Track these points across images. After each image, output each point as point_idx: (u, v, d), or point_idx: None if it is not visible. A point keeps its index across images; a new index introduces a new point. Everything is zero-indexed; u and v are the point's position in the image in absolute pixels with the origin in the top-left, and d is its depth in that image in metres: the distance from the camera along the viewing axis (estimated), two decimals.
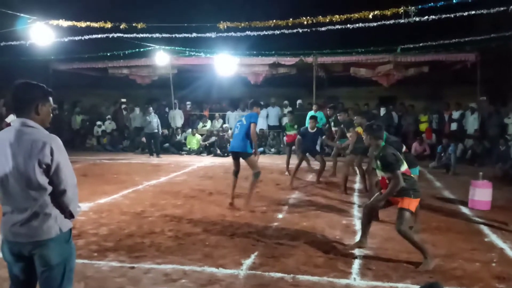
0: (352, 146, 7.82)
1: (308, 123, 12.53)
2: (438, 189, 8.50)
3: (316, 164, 9.66)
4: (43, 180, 2.38)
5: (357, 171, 8.41)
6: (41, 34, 10.33)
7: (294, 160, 9.90)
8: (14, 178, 2.38)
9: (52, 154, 2.38)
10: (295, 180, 8.97)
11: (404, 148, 5.71)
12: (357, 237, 5.27)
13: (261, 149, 14.02)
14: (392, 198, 4.47)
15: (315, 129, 8.82)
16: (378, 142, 4.54)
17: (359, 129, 8.08)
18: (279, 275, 4.09)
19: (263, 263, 4.40)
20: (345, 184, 8.03)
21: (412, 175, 4.65)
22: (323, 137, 9.14)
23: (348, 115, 8.75)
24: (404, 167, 4.48)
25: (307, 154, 9.06)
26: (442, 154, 10.93)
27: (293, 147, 10.07)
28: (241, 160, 6.81)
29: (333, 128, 11.20)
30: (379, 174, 4.58)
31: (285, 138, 10.00)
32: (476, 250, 4.86)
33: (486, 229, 5.68)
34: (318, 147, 10.27)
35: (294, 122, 10.59)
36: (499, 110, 12.97)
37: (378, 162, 4.47)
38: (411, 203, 4.38)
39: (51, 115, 2.59)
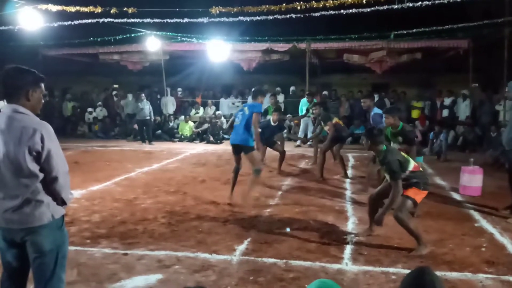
0: (330, 138, 7.88)
1: (300, 110, 12.59)
2: (429, 175, 8.56)
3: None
4: (34, 167, 2.36)
5: (337, 159, 8.36)
6: (30, 19, 10.14)
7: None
8: (5, 165, 2.35)
9: (42, 141, 2.35)
10: (289, 167, 9.01)
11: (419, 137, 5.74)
12: (350, 223, 5.35)
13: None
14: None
15: (277, 122, 8.47)
16: (379, 147, 4.37)
17: (336, 120, 8.12)
18: (272, 260, 4.12)
19: (256, 249, 4.42)
20: (321, 171, 8.00)
21: (421, 169, 4.56)
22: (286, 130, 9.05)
23: (340, 104, 8.71)
24: (412, 165, 4.38)
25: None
26: (434, 141, 11.00)
27: None
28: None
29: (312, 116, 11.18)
30: (388, 177, 4.47)
31: None
32: (466, 235, 4.92)
33: (476, 215, 5.76)
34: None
35: (276, 105, 10.06)
36: (491, 97, 13.04)
37: (384, 167, 4.37)
38: (418, 194, 4.36)
39: (42, 101, 2.55)
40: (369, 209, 4.87)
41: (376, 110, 6.83)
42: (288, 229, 5.11)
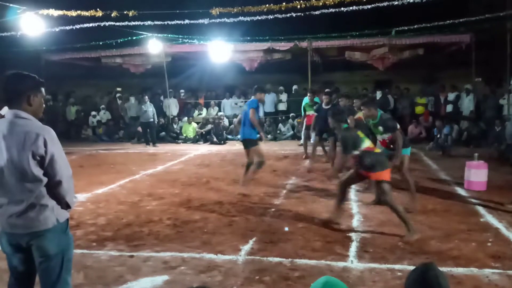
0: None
1: (303, 109, 12.58)
2: (434, 171, 8.54)
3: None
4: (37, 171, 2.37)
5: None
6: (32, 25, 10.20)
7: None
8: (9, 170, 2.37)
9: (45, 145, 2.36)
10: (293, 166, 9.01)
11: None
12: (354, 221, 5.33)
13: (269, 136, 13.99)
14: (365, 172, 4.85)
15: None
16: (340, 125, 5.04)
17: (360, 114, 8.01)
18: (277, 259, 4.13)
19: (261, 248, 4.43)
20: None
21: (376, 150, 5.02)
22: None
23: (349, 101, 8.52)
24: (365, 144, 4.82)
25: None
26: (438, 136, 10.97)
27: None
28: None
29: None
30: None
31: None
32: (472, 230, 4.90)
33: (482, 210, 5.73)
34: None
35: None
36: (495, 91, 12.97)
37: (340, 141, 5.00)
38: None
39: (44, 105, 2.57)
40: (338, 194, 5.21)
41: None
42: (286, 229, 5.08)
